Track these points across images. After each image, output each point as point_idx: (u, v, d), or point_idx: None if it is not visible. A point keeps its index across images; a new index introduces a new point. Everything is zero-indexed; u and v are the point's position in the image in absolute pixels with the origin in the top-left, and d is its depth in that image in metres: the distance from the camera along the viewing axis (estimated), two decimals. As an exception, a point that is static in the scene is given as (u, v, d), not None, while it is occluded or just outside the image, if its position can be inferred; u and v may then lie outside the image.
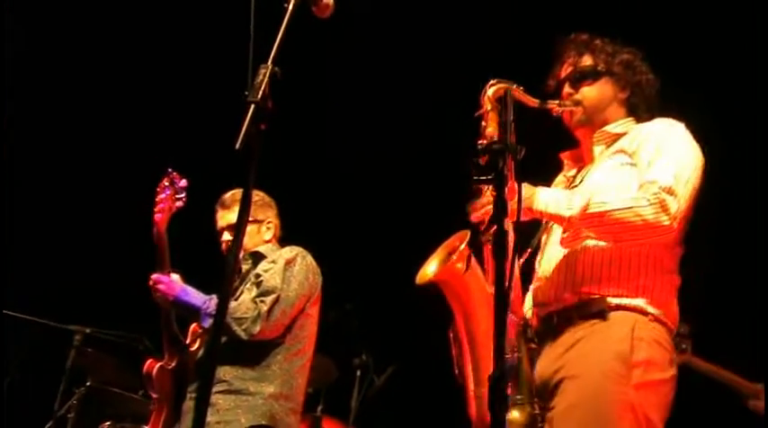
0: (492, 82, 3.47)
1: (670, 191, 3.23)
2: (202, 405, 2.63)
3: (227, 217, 4.90)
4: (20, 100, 7.23)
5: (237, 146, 2.55)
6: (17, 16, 6.97)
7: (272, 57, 2.72)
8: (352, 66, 7.28)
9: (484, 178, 2.80)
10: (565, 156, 3.82)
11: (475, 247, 3.31)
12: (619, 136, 3.60)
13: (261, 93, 2.63)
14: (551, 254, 3.50)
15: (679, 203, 3.23)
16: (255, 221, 4.92)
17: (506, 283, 2.57)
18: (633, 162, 3.43)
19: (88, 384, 6.22)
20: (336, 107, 7.53)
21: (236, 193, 4.80)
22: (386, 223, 7.53)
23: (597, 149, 3.65)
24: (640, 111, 3.67)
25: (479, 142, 3.29)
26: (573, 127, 3.69)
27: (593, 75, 3.64)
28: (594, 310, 3.31)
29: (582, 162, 3.74)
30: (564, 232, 3.34)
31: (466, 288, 3.37)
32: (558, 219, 3.34)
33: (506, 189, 2.77)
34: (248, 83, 2.66)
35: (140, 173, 5.19)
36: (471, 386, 3.35)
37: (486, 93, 3.45)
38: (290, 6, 2.83)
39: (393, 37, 6.96)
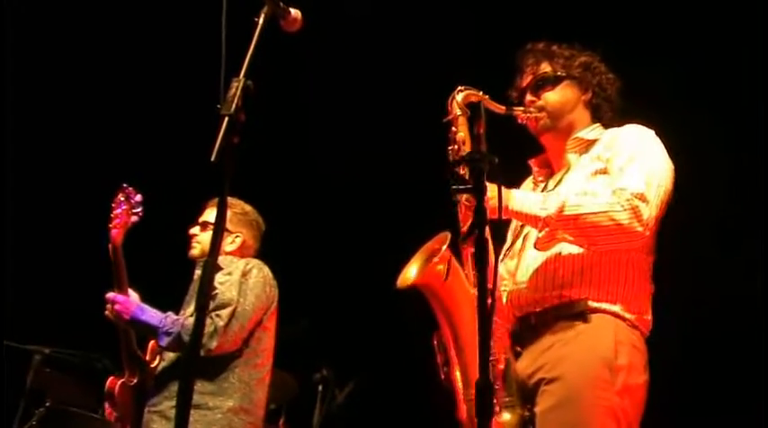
0: (460, 88, 3.53)
1: (642, 198, 3.27)
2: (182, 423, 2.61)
3: (208, 215, 4.90)
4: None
5: (213, 158, 2.56)
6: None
7: (243, 70, 2.73)
8: (316, 76, 7.28)
9: (464, 187, 2.84)
10: (533, 163, 3.86)
11: (455, 250, 3.32)
12: (592, 142, 3.65)
13: (234, 106, 2.65)
14: (529, 259, 3.53)
15: (650, 210, 3.29)
16: (225, 230, 4.87)
17: (489, 291, 2.60)
18: (606, 168, 3.48)
19: (47, 404, 6.15)
20: (290, 119, 7.52)
21: (230, 200, 4.74)
22: (343, 234, 7.54)
23: (572, 157, 3.69)
24: (603, 111, 3.74)
25: (451, 147, 3.36)
26: (539, 133, 3.73)
27: (552, 81, 3.70)
28: (574, 312, 3.36)
29: (550, 168, 3.79)
30: (539, 233, 3.35)
31: (449, 290, 3.38)
32: (533, 219, 3.36)
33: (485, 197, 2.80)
34: (221, 96, 2.68)
35: (100, 189, 5.15)
36: (460, 389, 3.36)
37: (454, 98, 3.52)
38: (261, 20, 2.86)
39: (367, 43, 6.96)
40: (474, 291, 2.85)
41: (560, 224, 3.28)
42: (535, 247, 3.40)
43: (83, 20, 7.17)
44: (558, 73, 3.70)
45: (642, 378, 3.34)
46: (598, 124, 3.73)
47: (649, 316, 3.47)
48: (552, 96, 3.69)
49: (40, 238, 7.53)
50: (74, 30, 7.21)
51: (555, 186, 3.66)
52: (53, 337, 6.07)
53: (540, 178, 3.81)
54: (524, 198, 3.40)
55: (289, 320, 5.21)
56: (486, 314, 2.55)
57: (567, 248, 3.41)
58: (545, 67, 3.72)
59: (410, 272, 3.47)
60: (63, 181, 7.64)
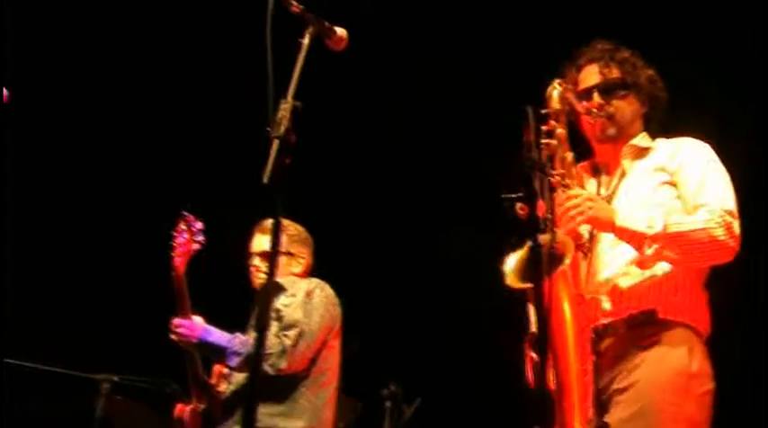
0: (558, 82, 3.55)
1: (732, 214, 3.36)
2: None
3: (262, 242, 4.91)
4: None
5: (265, 180, 2.58)
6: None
7: (291, 91, 2.75)
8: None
9: (514, 196, 2.83)
10: (583, 168, 3.83)
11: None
12: (645, 150, 3.67)
13: (284, 127, 2.67)
14: (603, 269, 3.51)
15: (738, 226, 3.36)
16: (288, 254, 4.94)
17: (545, 299, 2.59)
18: (673, 181, 3.51)
19: (118, 434, 6.23)
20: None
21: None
22: (403, 247, 7.54)
23: (626, 163, 3.69)
24: (653, 124, 3.76)
25: (546, 142, 3.36)
26: (601, 139, 3.71)
27: (622, 88, 3.68)
28: (648, 323, 3.37)
29: (599, 173, 3.77)
30: (647, 250, 3.34)
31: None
32: (638, 237, 3.35)
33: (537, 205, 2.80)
34: (270, 118, 2.69)
35: (160, 218, 5.20)
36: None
37: (553, 92, 3.51)
38: (306, 40, 2.87)
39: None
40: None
41: (667, 241, 3.31)
42: (640, 267, 3.41)
43: (135, 44, 7.25)
44: (628, 80, 3.69)
45: (712, 385, 3.36)
46: (645, 132, 3.75)
47: (709, 324, 3.50)
48: (624, 107, 3.68)
49: (105, 268, 7.62)
50: (125, 53, 7.30)
51: (611, 192, 3.65)
52: (121, 365, 6.12)
53: (591, 183, 3.78)
54: (628, 215, 3.40)
55: (354, 337, 5.24)
56: (544, 320, 2.53)
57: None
58: (615, 73, 3.69)
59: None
60: (123, 210, 7.72)
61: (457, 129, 7.12)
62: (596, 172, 3.79)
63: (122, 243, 7.61)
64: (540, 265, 2.62)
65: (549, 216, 2.87)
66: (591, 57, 3.75)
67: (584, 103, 3.67)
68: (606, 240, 3.49)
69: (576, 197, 3.33)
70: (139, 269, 6.80)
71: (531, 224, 2.73)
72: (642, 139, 3.71)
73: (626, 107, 3.68)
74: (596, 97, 3.66)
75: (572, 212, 3.29)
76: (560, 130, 3.52)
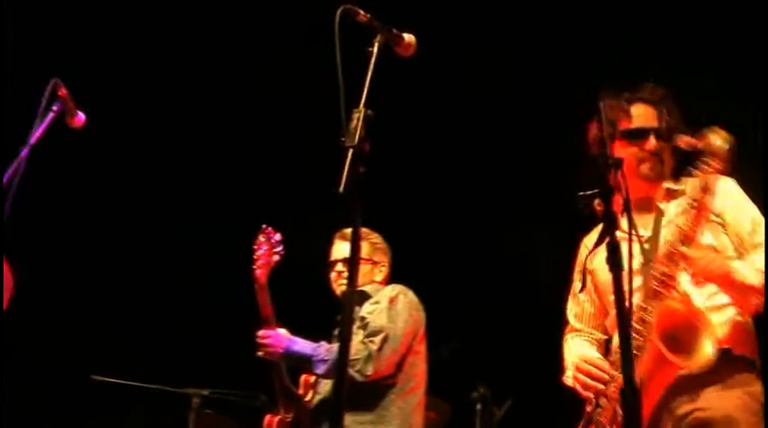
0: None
1: None
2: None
3: (345, 249, 4.87)
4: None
5: (340, 190, 2.59)
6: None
7: (363, 100, 2.76)
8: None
9: (591, 192, 2.81)
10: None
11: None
12: (677, 192, 3.80)
13: (357, 136, 2.67)
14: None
15: None
16: (372, 261, 4.98)
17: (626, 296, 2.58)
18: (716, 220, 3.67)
19: (210, 448, 6.31)
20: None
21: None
22: (489, 248, 7.52)
23: (661, 204, 3.82)
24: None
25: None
26: (647, 178, 3.81)
27: (669, 136, 3.77)
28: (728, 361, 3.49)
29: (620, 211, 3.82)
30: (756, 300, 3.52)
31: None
32: (749, 289, 3.51)
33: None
34: (343, 128, 2.70)
35: (240, 233, 5.25)
36: None
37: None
38: (375, 49, 2.88)
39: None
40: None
41: (761, 291, 3.50)
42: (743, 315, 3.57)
43: (212, 56, 7.35)
44: (673, 129, 3.79)
45: None
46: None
47: None
48: (669, 153, 3.80)
49: (192, 285, 7.71)
50: (198, 65, 7.39)
51: (653, 233, 3.76)
52: (211, 379, 6.19)
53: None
54: (740, 264, 3.55)
55: (439, 342, 5.23)
56: (625, 318, 2.51)
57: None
58: (671, 122, 3.81)
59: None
60: (205, 226, 7.81)
61: (522, 125, 7.10)
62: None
63: (206, 259, 7.70)
64: (618, 262, 2.59)
65: None
66: (645, 98, 3.86)
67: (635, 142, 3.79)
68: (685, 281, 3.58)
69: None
70: (224, 284, 6.86)
71: (607, 220, 2.70)
72: (672, 183, 3.84)
73: (669, 153, 3.79)
74: (653, 139, 3.77)
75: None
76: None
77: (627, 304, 2.59)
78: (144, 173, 7.75)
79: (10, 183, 3.82)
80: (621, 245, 2.69)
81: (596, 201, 2.96)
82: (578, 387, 3.63)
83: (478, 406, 6.52)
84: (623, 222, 3.66)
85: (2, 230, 3.70)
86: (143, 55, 7.30)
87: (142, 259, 7.78)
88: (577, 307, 4.02)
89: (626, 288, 2.65)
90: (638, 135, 3.77)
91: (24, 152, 3.88)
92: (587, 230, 3.86)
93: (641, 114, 3.81)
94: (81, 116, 4.20)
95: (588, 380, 3.56)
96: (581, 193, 2.87)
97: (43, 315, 6.24)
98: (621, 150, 3.72)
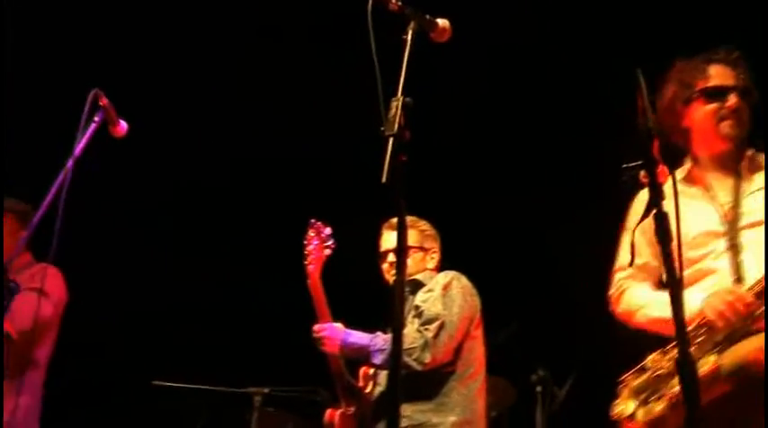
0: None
1: None
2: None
3: (393, 238, 4.81)
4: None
5: (383, 179, 2.58)
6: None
7: (400, 88, 2.75)
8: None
9: (634, 164, 2.79)
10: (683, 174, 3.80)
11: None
12: (759, 164, 3.70)
13: (396, 125, 2.67)
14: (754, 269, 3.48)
15: None
16: (422, 249, 4.96)
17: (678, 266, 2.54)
18: None
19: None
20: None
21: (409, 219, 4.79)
22: (543, 232, 7.51)
23: (743, 172, 3.70)
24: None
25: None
26: (728, 137, 3.70)
27: (749, 95, 3.71)
28: None
29: (694, 182, 3.75)
30: None
31: None
32: None
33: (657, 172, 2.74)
34: (382, 117, 2.70)
35: (290, 229, 5.26)
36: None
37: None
38: (409, 36, 2.87)
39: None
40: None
41: None
42: None
43: (252, 51, 7.37)
44: (754, 94, 3.73)
45: None
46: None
47: None
48: (749, 114, 3.71)
49: (243, 285, 7.76)
50: (237, 61, 7.42)
51: (735, 199, 3.64)
52: (270, 377, 6.22)
53: (693, 190, 3.73)
54: None
55: (497, 325, 5.21)
56: (678, 289, 2.48)
57: None
58: (747, 79, 3.73)
59: None
60: (255, 224, 7.85)
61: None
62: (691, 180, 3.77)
63: (257, 259, 7.74)
64: (666, 233, 2.56)
65: None
66: (721, 59, 3.76)
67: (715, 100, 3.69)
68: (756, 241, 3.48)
69: None
70: (277, 281, 6.89)
71: (653, 191, 2.67)
72: (755, 154, 3.73)
73: (749, 115, 3.70)
74: (733, 97, 3.67)
75: None
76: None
77: (678, 274, 2.53)
78: (190, 174, 7.80)
79: (58, 195, 3.87)
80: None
81: (641, 173, 2.93)
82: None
83: (539, 389, 6.50)
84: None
85: (54, 239, 3.74)
86: (173, 55, 7.35)
87: (196, 262, 7.84)
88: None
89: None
90: (717, 93, 3.68)
91: (70, 164, 3.92)
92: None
93: (719, 73, 3.72)
94: (123, 125, 4.24)
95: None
96: (625, 166, 2.84)
97: (101, 322, 6.29)
98: (699, 110, 3.68)
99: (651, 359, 3.49)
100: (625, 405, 3.47)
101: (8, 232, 5.15)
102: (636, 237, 3.48)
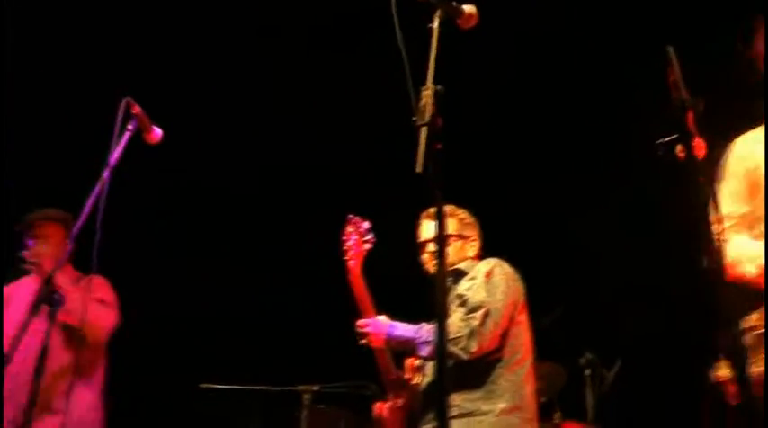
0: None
1: None
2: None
3: (432, 228, 4.86)
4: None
5: (418, 169, 2.57)
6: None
7: (430, 77, 2.74)
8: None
9: (670, 138, 2.76)
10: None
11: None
12: None
13: (429, 113, 2.66)
14: None
15: None
16: (461, 237, 4.93)
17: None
18: None
19: (327, 442, 6.39)
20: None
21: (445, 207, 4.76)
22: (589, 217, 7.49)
23: None
24: None
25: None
26: None
27: None
28: None
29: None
30: None
31: None
32: None
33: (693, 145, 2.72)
34: (413, 107, 2.69)
35: (327, 224, 5.26)
36: None
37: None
38: (436, 24, 2.86)
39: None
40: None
41: None
42: None
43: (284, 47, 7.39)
44: None
45: None
46: None
47: None
48: None
49: (284, 285, 7.79)
50: (270, 55, 7.44)
51: None
52: (319, 375, 6.23)
53: None
54: None
55: (543, 310, 5.19)
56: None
57: None
58: None
59: None
60: (294, 220, 7.88)
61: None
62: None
63: (299, 255, 7.77)
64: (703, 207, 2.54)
65: None
66: None
67: None
68: None
69: None
70: (318, 279, 6.90)
71: (690, 165, 2.64)
72: None
73: None
74: None
75: None
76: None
77: None
78: (227, 175, 7.83)
79: (96, 205, 3.90)
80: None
81: (678, 147, 2.90)
82: None
83: (587, 372, 6.48)
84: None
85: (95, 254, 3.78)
86: (199, 61, 7.39)
87: (237, 265, 7.88)
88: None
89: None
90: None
91: (106, 174, 3.95)
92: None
93: None
94: (157, 131, 4.27)
95: None
96: (660, 141, 2.82)
97: (142, 329, 6.32)
98: None
99: (754, 317, 3.43)
100: (728, 367, 3.39)
101: (56, 243, 5.21)
102: (736, 186, 3.44)
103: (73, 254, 4.90)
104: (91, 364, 5.17)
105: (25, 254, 5.17)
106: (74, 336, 4.97)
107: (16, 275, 5.34)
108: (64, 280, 4.92)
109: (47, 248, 5.15)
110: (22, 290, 5.26)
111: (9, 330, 4.92)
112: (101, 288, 5.26)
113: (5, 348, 4.65)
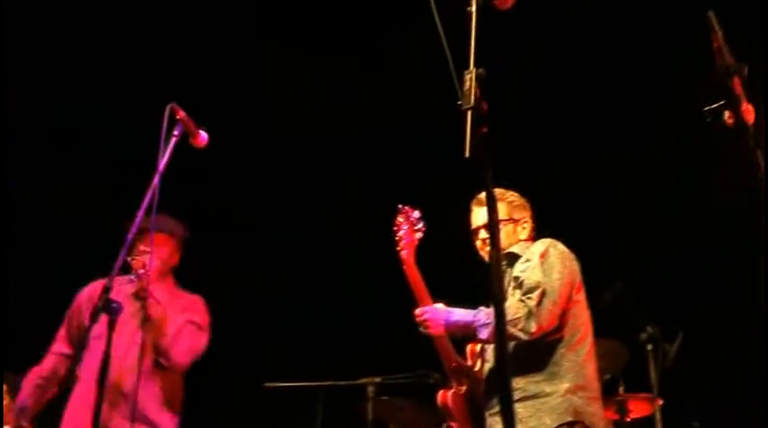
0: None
1: None
2: (509, 412, 2.61)
3: (484, 214, 4.82)
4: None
5: (466, 154, 2.56)
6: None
7: (471, 60, 2.72)
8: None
9: (717, 105, 2.73)
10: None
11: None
12: None
13: (473, 97, 2.64)
14: None
15: None
16: (512, 220, 4.90)
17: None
18: None
19: (393, 431, 6.42)
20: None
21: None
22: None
23: None
24: None
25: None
26: None
27: None
28: None
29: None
30: None
31: None
32: None
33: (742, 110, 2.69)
34: (457, 91, 2.68)
35: (377, 215, 5.27)
36: None
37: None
38: (473, 7, 2.84)
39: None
40: None
41: None
42: None
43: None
44: None
45: None
46: None
47: None
48: None
49: (340, 280, 7.82)
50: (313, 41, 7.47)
51: None
52: (381, 367, 6.25)
53: None
54: None
55: (602, 287, 5.15)
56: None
57: None
58: None
59: None
60: (344, 214, 7.90)
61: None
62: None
63: (353, 249, 7.79)
64: (757, 170, 2.50)
65: None
66: None
67: None
68: None
69: None
70: (372, 272, 6.92)
71: (739, 130, 2.61)
72: None
73: None
74: None
75: None
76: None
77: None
78: (275, 167, 7.87)
79: (149, 211, 3.94)
80: None
81: (726, 114, 2.87)
82: None
83: (650, 347, 6.43)
84: None
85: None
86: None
87: (294, 261, 7.92)
88: None
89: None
90: None
91: (156, 180, 3.99)
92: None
93: None
94: (203, 135, 4.30)
95: None
96: (707, 108, 2.78)
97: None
98: None
99: None
100: None
101: (164, 255, 5.22)
102: None
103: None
104: (174, 385, 5.18)
105: (132, 262, 5.14)
106: (159, 355, 4.99)
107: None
108: (160, 296, 4.94)
109: (153, 260, 5.05)
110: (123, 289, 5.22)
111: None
112: (197, 310, 5.28)
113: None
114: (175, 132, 4.14)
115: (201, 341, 5.19)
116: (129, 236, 4.09)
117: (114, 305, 3.94)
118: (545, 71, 7.36)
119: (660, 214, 7.06)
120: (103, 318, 4.04)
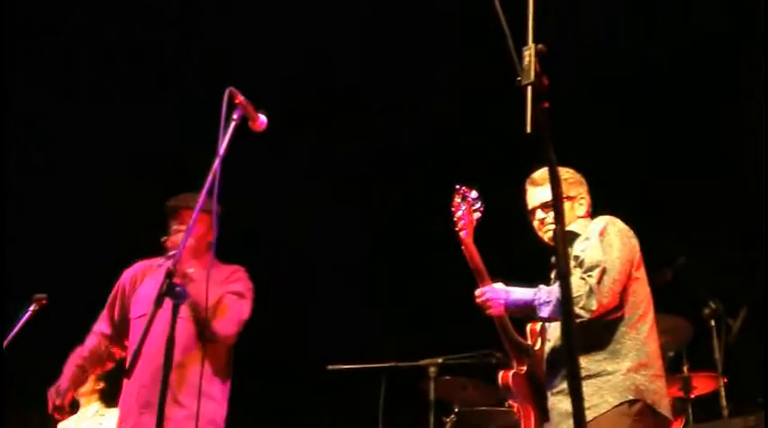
0: None
1: None
2: (577, 389, 2.60)
3: (538, 194, 4.85)
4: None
5: (528, 129, 2.55)
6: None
7: (530, 36, 2.71)
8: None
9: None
10: None
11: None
12: None
13: (533, 73, 2.63)
14: None
15: None
16: (568, 198, 4.85)
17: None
18: None
19: (456, 410, 6.42)
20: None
21: (545, 171, 4.73)
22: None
23: None
24: None
25: None
26: None
27: None
28: None
29: None
30: None
31: None
32: None
33: None
34: (517, 68, 2.66)
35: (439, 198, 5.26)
36: None
37: None
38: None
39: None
40: None
41: None
42: None
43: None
44: None
45: None
46: None
47: None
48: None
49: (400, 263, 7.84)
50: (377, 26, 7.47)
51: None
52: (443, 348, 6.27)
53: None
54: None
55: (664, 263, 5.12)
56: None
57: None
58: None
59: None
60: (406, 199, 7.91)
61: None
62: None
63: (408, 235, 7.81)
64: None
65: None
66: None
67: None
68: None
69: None
70: (432, 253, 6.93)
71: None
72: None
73: None
74: None
75: None
76: None
77: None
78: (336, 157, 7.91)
79: (209, 196, 3.96)
80: None
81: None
82: None
83: (713, 322, 6.38)
84: None
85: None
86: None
87: (354, 245, 7.96)
88: None
89: None
90: None
91: (217, 164, 4.01)
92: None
93: None
94: (263, 119, 4.32)
95: None
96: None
97: (272, 315, 6.43)
98: None
99: None
100: None
101: (199, 234, 5.24)
102: None
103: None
104: (220, 357, 5.20)
105: (167, 242, 5.19)
106: (201, 329, 5.01)
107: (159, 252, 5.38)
108: (197, 272, 4.96)
109: (188, 238, 5.04)
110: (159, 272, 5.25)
111: (144, 303, 5.02)
112: (238, 279, 5.30)
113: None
114: (235, 116, 4.16)
115: (244, 309, 5.20)
116: (192, 220, 4.12)
117: (178, 289, 3.95)
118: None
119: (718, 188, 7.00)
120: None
